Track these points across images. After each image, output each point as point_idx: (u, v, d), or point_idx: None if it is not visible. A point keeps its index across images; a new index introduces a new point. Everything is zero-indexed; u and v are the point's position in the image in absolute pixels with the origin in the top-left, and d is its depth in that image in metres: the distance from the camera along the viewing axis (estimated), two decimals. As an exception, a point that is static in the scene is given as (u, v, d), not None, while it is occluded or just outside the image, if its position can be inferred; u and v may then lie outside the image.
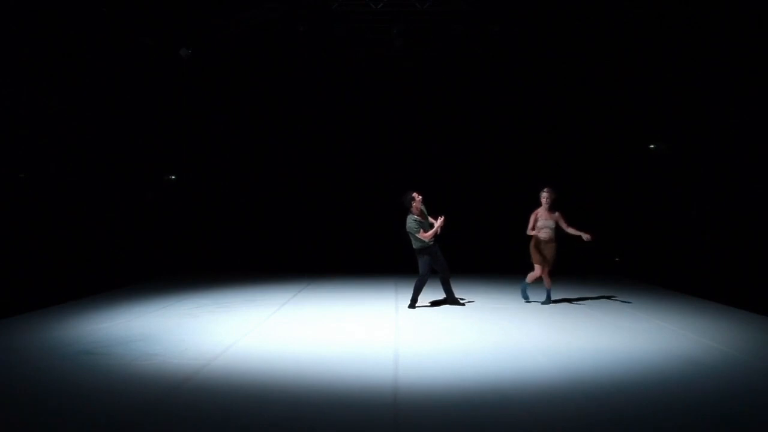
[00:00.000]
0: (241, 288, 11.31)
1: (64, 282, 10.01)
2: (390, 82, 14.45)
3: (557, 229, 9.02)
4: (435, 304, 9.47)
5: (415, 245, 9.07)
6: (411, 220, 8.94)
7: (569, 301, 9.56)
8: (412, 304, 9.19)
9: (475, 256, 14.28)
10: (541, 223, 8.99)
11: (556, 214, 9.01)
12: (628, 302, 9.47)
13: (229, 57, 13.74)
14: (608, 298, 9.90)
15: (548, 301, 9.28)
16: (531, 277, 9.22)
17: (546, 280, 9.18)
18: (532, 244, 9.10)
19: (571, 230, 8.94)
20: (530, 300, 9.45)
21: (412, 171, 14.58)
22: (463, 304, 9.37)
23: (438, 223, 8.84)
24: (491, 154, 14.51)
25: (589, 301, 9.66)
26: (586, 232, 8.78)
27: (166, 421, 4.49)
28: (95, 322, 7.90)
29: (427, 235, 8.82)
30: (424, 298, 9.36)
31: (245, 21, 12.52)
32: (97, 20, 10.87)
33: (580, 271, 12.47)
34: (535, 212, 9.07)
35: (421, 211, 9.02)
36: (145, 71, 12.76)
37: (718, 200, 11.12)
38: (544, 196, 9.01)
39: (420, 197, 9.00)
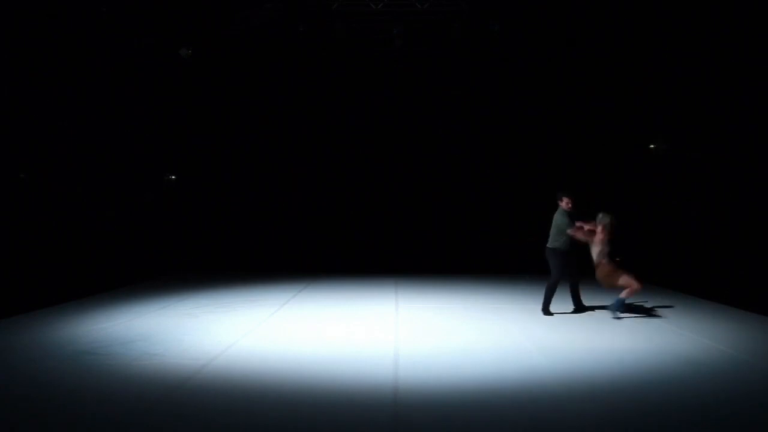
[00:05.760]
0: (241, 288, 11.31)
1: (64, 282, 10.01)
2: (390, 82, 14.45)
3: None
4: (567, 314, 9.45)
5: (551, 243, 8.58)
6: (560, 215, 8.53)
7: (570, 302, 9.55)
8: (545, 310, 8.64)
9: (475, 256, 14.29)
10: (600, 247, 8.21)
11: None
12: (628, 302, 9.45)
13: (229, 57, 13.74)
14: (608, 298, 9.86)
15: (616, 309, 8.32)
16: (630, 292, 8.21)
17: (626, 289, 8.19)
18: (605, 271, 8.22)
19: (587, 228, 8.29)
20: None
21: (411, 171, 14.63)
22: (592, 309, 8.82)
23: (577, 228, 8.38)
24: (491, 154, 14.50)
25: (590, 301, 9.63)
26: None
27: (166, 421, 4.49)
28: (95, 322, 7.90)
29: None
30: (430, 302, 9.34)
31: (245, 21, 12.52)
32: (97, 20, 10.87)
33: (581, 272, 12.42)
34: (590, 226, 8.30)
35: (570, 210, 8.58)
36: (145, 71, 12.76)
37: (718, 200, 11.12)
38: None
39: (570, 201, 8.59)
